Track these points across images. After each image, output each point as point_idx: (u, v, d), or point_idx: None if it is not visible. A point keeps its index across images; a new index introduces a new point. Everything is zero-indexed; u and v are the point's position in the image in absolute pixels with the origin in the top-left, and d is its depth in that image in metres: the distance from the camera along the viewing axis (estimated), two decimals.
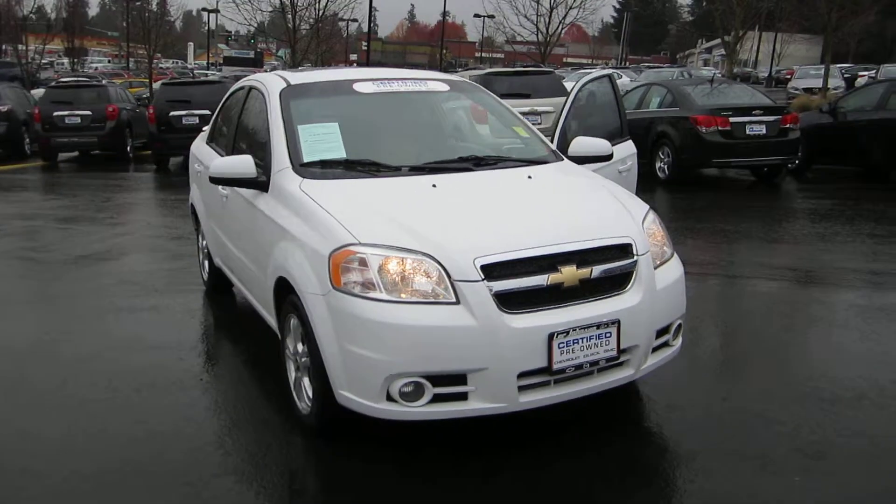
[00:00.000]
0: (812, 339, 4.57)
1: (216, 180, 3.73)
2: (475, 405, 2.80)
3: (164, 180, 12.63)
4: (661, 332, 3.18)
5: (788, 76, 34.56)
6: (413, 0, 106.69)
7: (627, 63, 53.01)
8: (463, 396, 2.80)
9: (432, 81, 4.33)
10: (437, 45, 66.91)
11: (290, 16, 18.20)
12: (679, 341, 3.36)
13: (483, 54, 64.79)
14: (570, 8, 32.40)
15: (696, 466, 2.95)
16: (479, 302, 2.74)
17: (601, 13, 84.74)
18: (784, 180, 10.67)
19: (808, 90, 24.19)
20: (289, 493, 2.93)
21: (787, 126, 10.07)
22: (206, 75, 31.70)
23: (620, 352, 2.96)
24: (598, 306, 2.92)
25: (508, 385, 2.78)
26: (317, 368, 3.02)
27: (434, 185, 3.34)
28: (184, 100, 13.51)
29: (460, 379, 2.77)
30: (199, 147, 5.44)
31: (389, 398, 2.80)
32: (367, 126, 3.95)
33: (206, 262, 5.45)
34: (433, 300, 2.77)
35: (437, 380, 2.77)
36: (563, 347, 2.82)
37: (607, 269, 2.98)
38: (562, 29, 29.10)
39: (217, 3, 49.00)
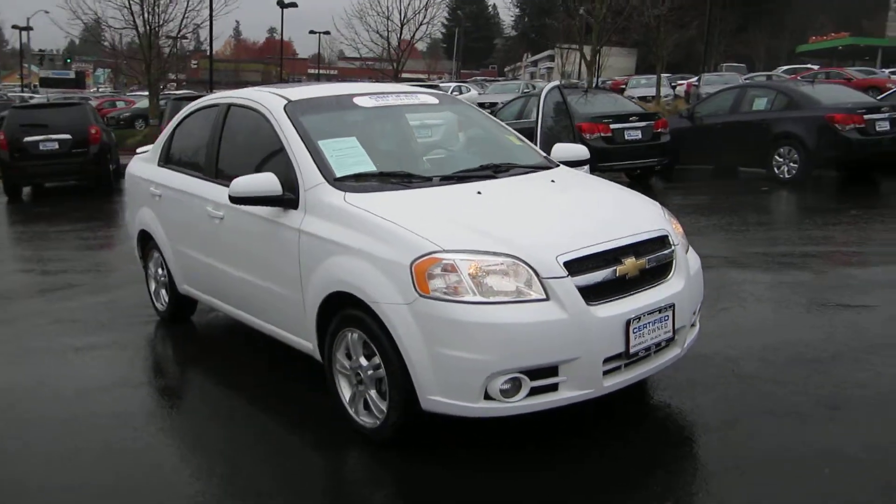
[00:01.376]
0: (740, 313, 4.99)
1: (238, 200, 3.62)
2: (566, 394, 2.98)
3: (27, 211, 11.61)
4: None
5: (620, 87, 37.21)
6: (237, 17, 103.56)
7: (459, 77, 54.89)
8: (554, 387, 2.97)
9: (422, 95, 4.45)
10: (269, 62, 65.70)
11: (140, 32, 17.22)
12: (698, 322, 3.72)
13: (319, 71, 64.37)
14: (421, 24, 33.10)
15: (744, 429, 3.31)
16: (568, 297, 2.93)
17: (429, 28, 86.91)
18: (652, 180, 11.74)
19: (643, 98, 26.44)
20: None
21: (659, 131, 11.08)
22: (25, 99, 29.06)
23: (675, 332, 3.27)
24: (655, 293, 3.20)
25: (596, 372, 2.99)
26: (396, 378, 3.06)
27: (479, 192, 3.48)
28: (39, 124, 12.45)
29: (552, 371, 2.94)
30: (149, 170, 5.17)
31: (487, 397, 2.91)
32: (380, 139, 4.00)
33: (164, 291, 5.18)
34: (525, 299, 2.91)
35: (533, 374, 2.91)
36: (637, 332, 3.07)
37: (657, 258, 3.28)
38: (410, 44, 29.58)
39: (28, 20, 45.15)
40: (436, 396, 2.96)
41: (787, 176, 10.55)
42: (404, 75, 65.45)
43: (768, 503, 2.78)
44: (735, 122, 11.34)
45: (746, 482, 2.90)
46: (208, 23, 20.27)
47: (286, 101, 3.99)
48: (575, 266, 2.99)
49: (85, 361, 4.67)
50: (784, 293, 5.42)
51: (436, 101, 4.46)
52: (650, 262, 3.25)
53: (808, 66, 35.73)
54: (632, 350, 3.06)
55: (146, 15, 17.63)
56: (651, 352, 3.19)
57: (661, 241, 3.37)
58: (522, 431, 3.28)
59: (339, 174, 3.55)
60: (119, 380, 4.27)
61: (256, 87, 4.59)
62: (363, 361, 3.25)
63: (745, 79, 26.55)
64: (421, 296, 2.93)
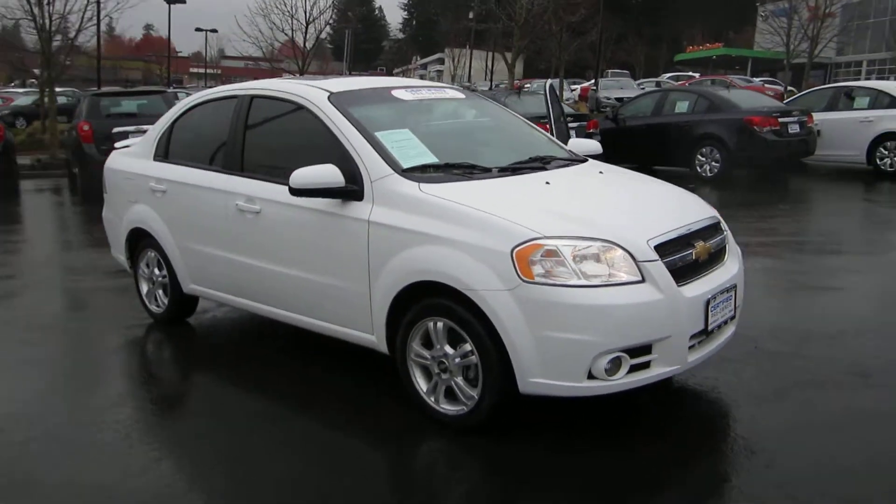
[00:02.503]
0: None
1: (299, 192, 3.54)
2: (657, 370, 3.13)
3: None
4: None
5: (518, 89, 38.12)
6: (111, 13, 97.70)
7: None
8: (647, 365, 3.11)
9: (449, 90, 4.50)
10: (149, 60, 62.64)
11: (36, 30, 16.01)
12: None
13: (203, 69, 62.09)
14: (327, 24, 32.59)
15: (796, 397, 3.60)
16: (662, 278, 3.08)
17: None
18: None
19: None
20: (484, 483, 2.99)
21: (591, 131, 11.56)
22: None
23: (736, 311, 3.50)
24: (721, 274, 3.42)
25: (683, 348, 3.16)
26: (492, 363, 3.10)
27: (547, 182, 3.58)
28: None
29: (647, 349, 3.08)
30: (141, 165, 4.91)
31: (591, 376, 3.02)
32: (428, 131, 4.01)
33: (161, 293, 4.94)
34: (624, 281, 3.04)
35: (632, 352, 3.04)
36: (714, 310, 3.27)
37: (717, 242, 3.51)
38: (316, 43, 29.05)
39: None
40: (538, 379, 3.03)
41: (709, 174, 11.29)
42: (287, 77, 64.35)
43: (848, 455, 3.06)
44: (658, 123, 12.02)
45: (816, 441, 3.17)
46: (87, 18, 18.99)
47: (329, 93, 3.93)
48: (662, 250, 3.16)
49: (89, 370, 4.39)
50: (764, 279, 5.84)
51: (463, 95, 4.52)
52: (716, 245, 3.47)
53: (690, 74, 38.07)
54: (710, 327, 3.26)
55: (40, 7, 16.44)
56: (718, 329, 3.41)
57: (716, 227, 3.61)
58: (597, 412, 3.41)
59: (405, 165, 3.54)
60: (128, 390, 4.06)
61: (284, 80, 4.50)
62: (448, 350, 3.27)
63: (639, 84, 28.02)
64: (525, 281, 2.99)
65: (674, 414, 3.52)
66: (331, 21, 30.30)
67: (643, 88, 25.04)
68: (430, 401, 3.40)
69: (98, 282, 6.29)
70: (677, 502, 2.87)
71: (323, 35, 31.53)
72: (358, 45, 78.52)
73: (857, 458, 3.03)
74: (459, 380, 3.28)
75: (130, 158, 5.14)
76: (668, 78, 34.32)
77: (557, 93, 6.05)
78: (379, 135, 3.69)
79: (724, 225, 3.68)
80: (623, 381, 3.06)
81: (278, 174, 4.04)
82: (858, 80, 41.92)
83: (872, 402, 3.54)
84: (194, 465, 3.21)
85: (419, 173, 3.53)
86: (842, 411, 3.45)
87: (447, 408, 3.35)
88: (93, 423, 3.52)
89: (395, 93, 4.15)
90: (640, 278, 3.06)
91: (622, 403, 3.44)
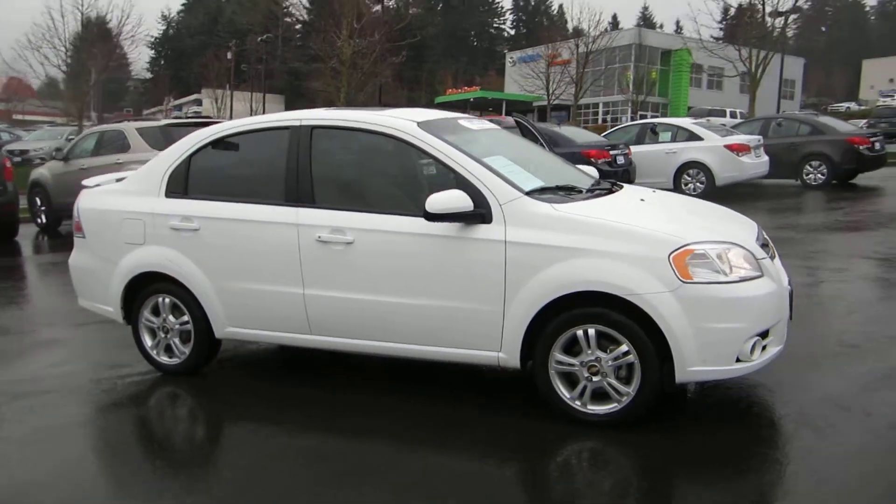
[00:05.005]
0: None
1: (436, 217, 3.63)
2: (772, 350, 3.69)
3: None
4: None
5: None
6: None
7: (102, 121, 50.50)
8: (766, 347, 3.68)
9: (480, 120, 4.79)
10: None
11: None
12: None
13: None
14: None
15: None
16: (772, 273, 3.68)
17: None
18: None
19: None
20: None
21: None
22: None
23: (791, 308, 4.21)
24: (779, 272, 4.11)
25: (784, 331, 3.78)
26: (650, 359, 3.47)
27: (642, 200, 4.05)
28: None
29: (767, 333, 3.64)
30: (149, 203, 4.53)
31: (738, 360, 3.51)
32: (511, 157, 4.24)
33: (178, 341, 4.57)
34: (753, 276, 3.58)
35: (762, 336, 3.60)
36: (791, 301, 3.95)
37: (769, 247, 4.21)
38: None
39: None
40: (696, 367, 3.46)
41: None
42: (24, 117, 57.52)
43: None
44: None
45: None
46: None
47: (416, 122, 4.05)
48: (763, 249, 3.78)
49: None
50: None
51: (496, 126, 4.83)
52: (768, 250, 4.17)
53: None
54: (792, 315, 3.92)
55: None
56: None
57: (762, 235, 4.32)
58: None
59: (527, 188, 3.79)
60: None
61: (346, 110, 4.45)
62: (602, 354, 3.57)
63: None
64: (684, 282, 3.42)
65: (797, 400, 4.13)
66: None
67: None
68: (577, 405, 3.66)
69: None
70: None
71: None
72: (102, 84, 72.69)
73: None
74: (611, 380, 3.59)
75: (126, 197, 4.68)
76: None
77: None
78: (488, 160, 3.90)
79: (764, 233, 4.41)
80: (757, 361, 3.60)
81: (375, 203, 4.08)
82: (596, 119, 48.05)
83: None
84: None
85: (538, 195, 3.80)
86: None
87: (595, 409, 3.63)
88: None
89: (460, 122, 4.37)
90: (760, 273, 3.63)
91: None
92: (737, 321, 3.46)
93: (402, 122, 4.05)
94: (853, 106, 49.20)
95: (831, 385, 4.14)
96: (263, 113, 48.34)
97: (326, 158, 4.22)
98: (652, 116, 43.68)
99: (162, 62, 79.54)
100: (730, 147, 12.94)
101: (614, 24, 52.28)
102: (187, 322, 4.51)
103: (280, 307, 4.21)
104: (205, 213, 4.36)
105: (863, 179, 14.74)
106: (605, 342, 3.58)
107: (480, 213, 3.70)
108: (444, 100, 55.40)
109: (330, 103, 45.26)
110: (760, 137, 13.89)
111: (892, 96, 45.41)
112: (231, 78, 55.59)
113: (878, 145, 14.13)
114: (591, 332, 3.57)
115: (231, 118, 51.96)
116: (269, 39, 50.52)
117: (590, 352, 3.59)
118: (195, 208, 4.40)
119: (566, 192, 4.00)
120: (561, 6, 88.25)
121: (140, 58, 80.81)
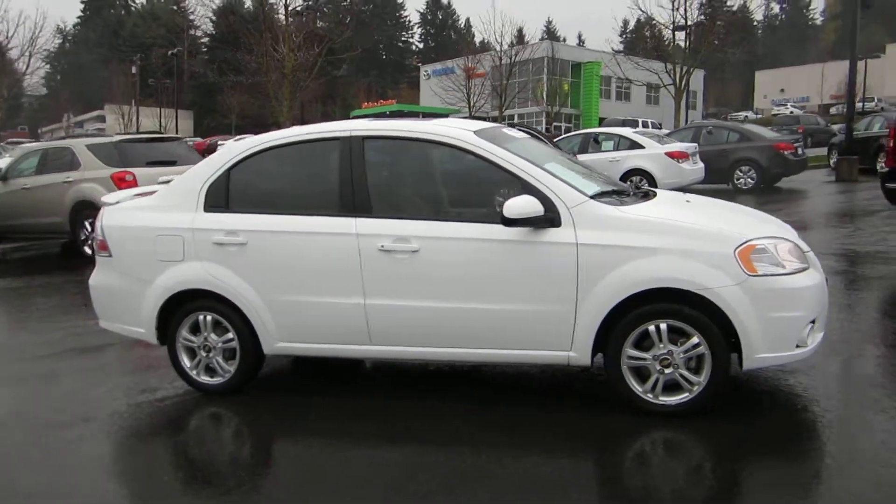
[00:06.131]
0: None
1: (514, 221, 3.74)
2: (817, 337, 3.98)
3: None
4: None
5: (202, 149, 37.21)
6: None
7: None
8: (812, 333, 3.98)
9: (516, 130, 4.95)
10: None
11: None
12: None
13: None
14: None
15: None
16: (816, 265, 3.99)
17: None
18: None
19: None
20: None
21: None
22: None
23: None
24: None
25: (824, 320, 4.09)
26: (720, 350, 3.70)
27: (688, 201, 4.29)
28: None
29: (814, 320, 3.93)
30: (187, 218, 4.41)
31: (797, 346, 3.78)
32: (560, 164, 4.39)
33: (220, 359, 4.47)
34: (803, 268, 3.86)
35: (813, 323, 3.89)
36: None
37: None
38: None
39: None
40: (762, 354, 3.70)
41: None
42: None
43: None
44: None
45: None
46: None
47: (472, 131, 4.15)
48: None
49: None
50: None
51: (523, 134, 4.99)
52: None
53: None
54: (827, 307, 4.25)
55: None
56: None
57: None
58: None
59: (590, 193, 3.96)
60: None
61: (408, 121, 4.52)
62: (673, 347, 3.76)
63: None
64: (749, 275, 3.67)
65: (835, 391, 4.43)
66: None
67: None
68: (649, 397, 3.84)
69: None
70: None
71: None
72: None
73: None
74: (683, 371, 3.79)
75: (159, 213, 4.54)
76: None
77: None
78: (548, 167, 4.05)
79: None
80: (812, 346, 3.88)
81: (437, 211, 4.15)
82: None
83: None
84: None
85: (600, 198, 3.98)
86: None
87: (667, 400, 3.83)
88: None
89: (504, 131, 4.51)
90: (807, 265, 3.92)
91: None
92: (797, 310, 3.74)
93: (460, 130, 4.15)
94: (750, 115, 52.41)
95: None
96: (176, 129, 47.10)
97: (381, 168, 4.26)
98: (566, 128, 45.17)
99: (58, 77, 75.86)
100: (670, 154, 13.59)
101: (520, 37, 53.52)
102: (232, 339, 4.42)
103: (338, 319, 4.20)
104: (252, 226, 4.30)
105: (785, 182, 15.79)
106: (674, 335, 3.78)
107: (550, 218, 3.84)
108: (360, 113, 55.25)
109: (255, 118, 44.38)
110: (696, 145, 14.66)
111: (785, 105, 48.73)
112: (137, 93, 53.67)
113: (800, 150, 15.19)
114: (663, 326, 3.76)
115: (137, 131, 50.28)
116: (178, 53, 49.00)
117: (662, 345, 3.78)
118: (240, 222, 4.33)
119: (618, 195, 4.19)
120: (468, 20, 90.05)
121: (34, 72, 76.81)
